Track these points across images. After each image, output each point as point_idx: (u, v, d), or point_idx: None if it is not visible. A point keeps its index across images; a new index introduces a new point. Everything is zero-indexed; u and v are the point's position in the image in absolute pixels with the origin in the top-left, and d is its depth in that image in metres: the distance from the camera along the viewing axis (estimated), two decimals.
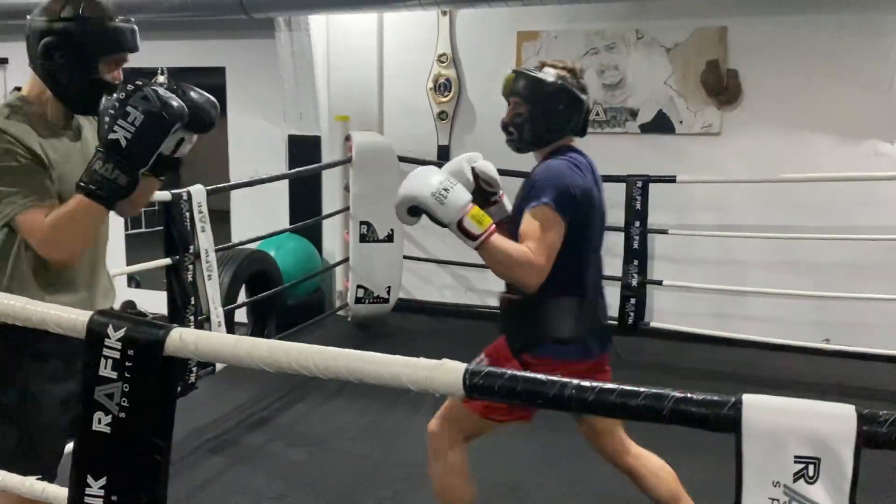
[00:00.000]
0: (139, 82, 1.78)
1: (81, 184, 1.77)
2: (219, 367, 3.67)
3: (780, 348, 4.58)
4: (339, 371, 1.25)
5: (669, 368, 4.49)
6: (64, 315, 1.46)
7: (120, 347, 1.39)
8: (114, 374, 1.40)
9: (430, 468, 2.34)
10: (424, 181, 2.04)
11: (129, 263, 5.61)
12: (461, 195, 2.02)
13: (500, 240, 2.04)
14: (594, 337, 2.24)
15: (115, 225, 6.33)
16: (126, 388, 1.40)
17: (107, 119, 1.76)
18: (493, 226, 2.04)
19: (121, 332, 1.39)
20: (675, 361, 4.61)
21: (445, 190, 2.01)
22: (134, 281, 6.30)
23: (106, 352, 1.40)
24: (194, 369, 3.49)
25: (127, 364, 1.39)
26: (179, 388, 3.45)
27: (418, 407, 3.78)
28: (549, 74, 2.25)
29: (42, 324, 1.45)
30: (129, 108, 1.74)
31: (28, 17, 1.88)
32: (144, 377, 1.40)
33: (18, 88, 1.97)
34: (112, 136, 1.74)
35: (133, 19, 1.91)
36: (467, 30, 5.42)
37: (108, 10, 1.86)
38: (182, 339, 1.35)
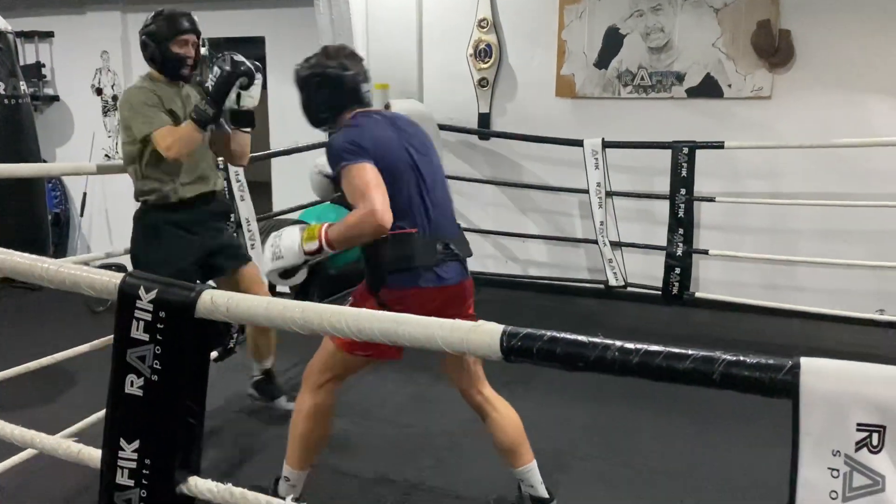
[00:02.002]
0: (226, 52, 2.83)
1: (192, 114, 2.81)
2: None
3: (833, 319, 4.42)
4: (372, 333, 1.21)
5: (715, 340, 4.37)
6: (96, 277, 1.45)
7: (152, 309, 1.37)
8: (146, 337, 1.38)
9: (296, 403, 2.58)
10: (262, 265, 2.55)
11: None
12: (286, 240, 2.36)
13: (334, 228, 2.29)
14: (439, 266, 2.38)
15: None
16: (158, 350, 1.38)
17: (208, 73, 2.82)
18: (323, 226, 2.31)
19: (152, 294, 1.37)
20: (722, 332, 4.50)
21: (275, 249, 2.37)
22: None
23: (138, 314, 1.38)
24: (235, 334, 3.50)
25: (159, 326, 1.37)
26: (219, 353, 3.48)
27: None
28: (302, 68, 2.55)
29: (75, 286, 1.44)
30: (215, 66, 2.78)
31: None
32: (176, 339, 1.38)
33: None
34: (206, 83, 2.81)
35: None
36: None
37: (173, 11, 2.94)
38: (214, 301, 1.32)
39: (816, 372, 0.93)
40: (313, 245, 2.29)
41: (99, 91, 6.34)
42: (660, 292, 4.60)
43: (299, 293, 5.22)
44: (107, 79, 6.31)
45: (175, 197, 2.95)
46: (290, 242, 2.33)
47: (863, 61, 4.50)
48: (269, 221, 4.62)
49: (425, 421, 3.43)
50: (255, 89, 2.90)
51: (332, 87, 2.46)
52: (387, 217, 2.21)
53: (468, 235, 5.52)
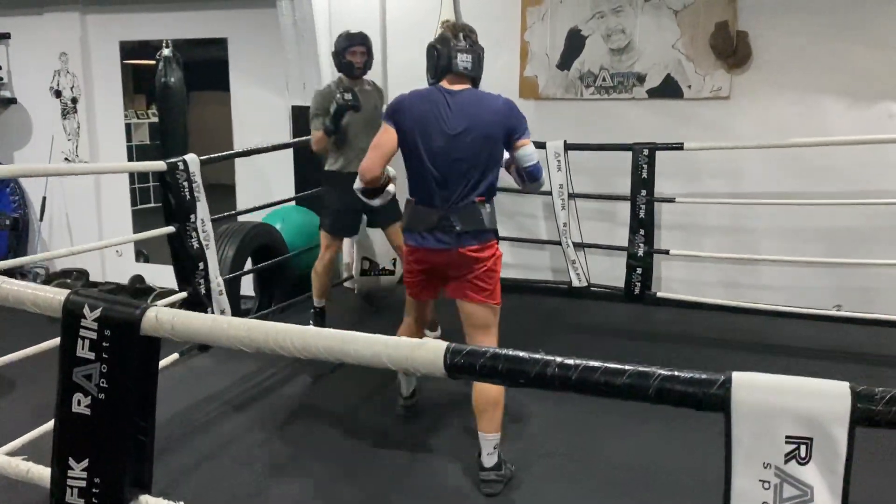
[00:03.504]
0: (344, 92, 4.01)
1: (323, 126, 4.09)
2: None
3: (792, 316, 4.50)
4: (318, 352, 1.21)
5: (677, 338, 4.44)
6: (41, 294, 1.43)
7: (96, 328, 1.36)
8: (91, 355, 1.37)
9: None
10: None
11: None
12: None
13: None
14: (426, 231, 2.84)
15: (123, 200, 6.33)
16: (104, 368, 1.37)
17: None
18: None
19: (97, 312, 1.36)
20: (683, 330, 4.56)
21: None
22: (142, 256, 6.31)
23: (83, 332, 1.37)
24: None
25: (104, 344, 1.36)
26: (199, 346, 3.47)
27: (426, 378, 3.77)
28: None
29: (18, 303, 1.42)
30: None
31: None
32: (122, 357, 1.37)
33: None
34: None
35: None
36: None
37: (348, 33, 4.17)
38: (158, 318, 1.32)
39: (747, 386, 0.96)
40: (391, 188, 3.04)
41: (58, 93, 6.23)
42: (622, 292, 4.65)
43: (263, 295, 5.20)
44: (66, 81, 6.20)
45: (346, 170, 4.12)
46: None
47: (817, 62, 4.59)
48: (231, 225, 4.59)
49: (390, 421, 3.43)
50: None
51: (430, 59, 2.89)
52: (367, 173, 2.83)
53: None
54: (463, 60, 2.83)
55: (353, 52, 4.10)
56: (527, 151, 2.87)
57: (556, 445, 3.22)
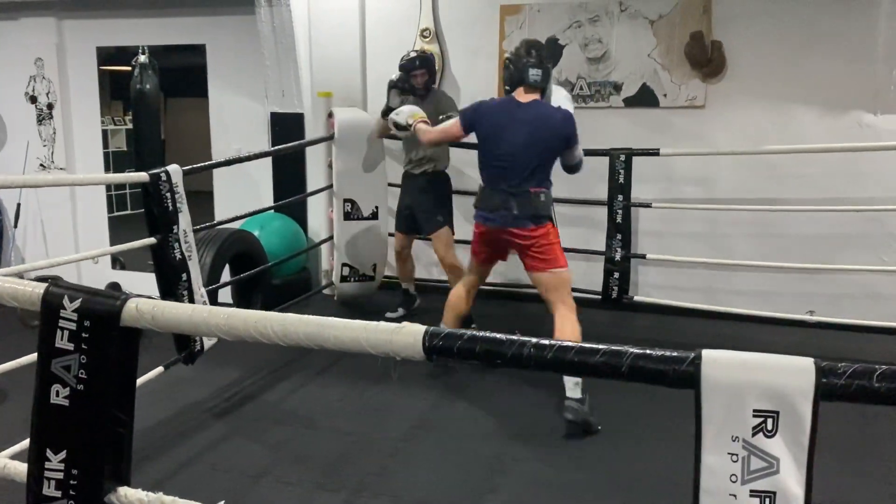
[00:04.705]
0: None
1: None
2: (207, 345, 3.64)
3: (765, 321, 4.58)
4: (298, 337, 1.22)
5: (652, 342, 4.44)
6: (20, 288, 1.43)
7: (76, 318, 1.36)
8: (70, 346, 1.37)
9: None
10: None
11: (112, 245, 5.58)
12: (408, 107, 4.08)
13: (422, 125, 3.89)
14: (490, 212, 3.53)
15: (99, 207, 6.27)
16: (84, 359, 1.37)
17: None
18: (419, 118, 3.92)
19: (77, 304, 1.36)
20: (658, 335, 4.61)
21: (402, 107, 4.09)
22: (118, 263, 6.26)
23: (62, 323, 1.37)
24: (198, 338, 3.49)
25: (84, 335, 1.36)
26: (185, 357, 3.45)
27: (405, 385, 3.78)
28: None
29: None
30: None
31: None
32: (102, 348, 1.37)
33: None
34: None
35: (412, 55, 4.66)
36: (451, 4, 5.35)
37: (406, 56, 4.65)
38: (139, 309, 1.32)
39: (716, 362, 0.99)
40: (411, 120, 3.89)
41: (33, 99, 6.19)
42: (599, 296, 4.69)
43: (241, 303, 5.18)
44: (41, 86, 6.16)
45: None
46: (408, 109, 3.98)
47: (790, 72, 4.68)
48: (209, 232, 4.57)
49: (368, 427, 3.43)
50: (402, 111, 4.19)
51: (506, 71, 3.60)
52: (427, 142, 3.96)
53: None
54: (534, 74, 3.46)
55: (415, 75, 4.56)
56: (577, 153, 3.62)
57: (528, 452, 3.23)
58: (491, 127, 3.52)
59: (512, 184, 3.46)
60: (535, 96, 3.50)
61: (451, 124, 3.69)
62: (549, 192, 3.54)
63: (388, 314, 5.01)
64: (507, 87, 3.60)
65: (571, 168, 3.71)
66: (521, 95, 3.50)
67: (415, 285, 5.18)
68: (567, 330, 3.40)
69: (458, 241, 4.76)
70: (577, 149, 3.60)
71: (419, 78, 4.56)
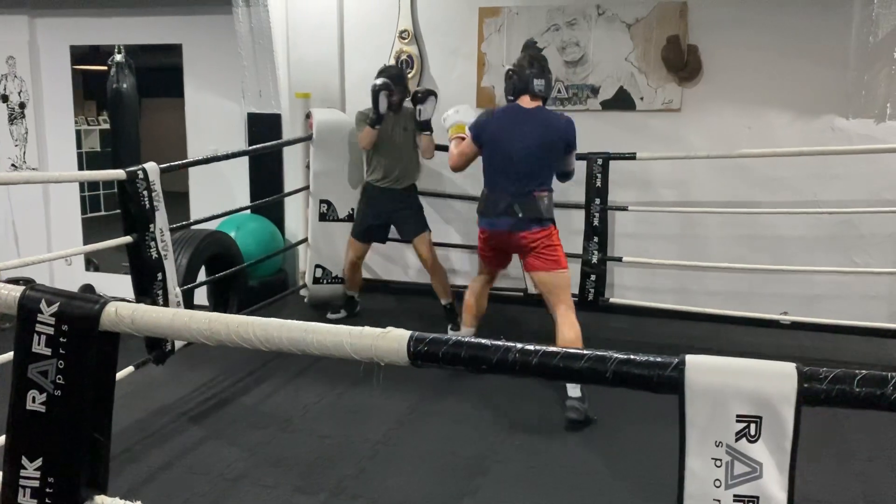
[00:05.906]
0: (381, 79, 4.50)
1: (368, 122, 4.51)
2: (178, 346, 3.60)
3: (740, 321, 4.64)
4: (281, 342, 1.21)
5: (630, 344, 4.51)
6: None
7: (53, 323, 1.34)
8: (48, 351, 1.35)
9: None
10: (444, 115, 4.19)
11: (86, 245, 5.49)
12: (466, 107, 4.20)
13: (456, 140, 3.93)
14: (496, 217, 3.62)
15: (73, 208, 6.19)
16: (61, 364, 1.35)
17: None
18: (462, 132, 3.90)
19: (54, 308, 1.34)
20: (636, 336, 4.65)
21: (458, 108, 4.14)
22: (92, 265, 6.17)
23: (39, 327, 1.35)
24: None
25: (61, 340, 1.34)
26: (155, 357, 3.41)
27: (383, 386, 3.77)
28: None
29: None
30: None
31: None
32: (80, 353, 1.35)
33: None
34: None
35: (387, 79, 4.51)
36: (429, 5, 5.35)
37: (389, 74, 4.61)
38: (118, 312, 1.30)
39: (700, 368, 0.99)
40: (451, 132, 4.00)
41: (5, 98, 6.08)
42: (576, 299, 4.71)
43: (217, 305, 5.13)
44: (13, 85, 6.06)
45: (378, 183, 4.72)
46: (455, 118, 4.03)
47: (765, 76, 4.74)
48: (185, 233, 4.52)
49: (346, 430, 3.42)
50: (428, 105, 4.52)
51: (508, 81, 3.70)
52: (451, 165, 3.90)
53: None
54: (538, 84, 3.59)
55: (388, 93, 4.53)
56: (572, 160, 3.75)
57: (511, 451, 3.24)
58: (496, 132, 3.62)
59: (517, 186, 3.55)
60: (539, 104, 3.62)
61: (466, 145, 3.76)
62: (551, 194, 3.64)
63: (330, 315, 5.05)
64: (510, 98, 3.68)
65: (565, 175, 3.80)
66: (526, 102, 3.60)
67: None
68: (567, 329, 3.50)
69: (457, 245, 4.97)
70: (573, 155, 3.72)
71: (394, 96, 4.56)
